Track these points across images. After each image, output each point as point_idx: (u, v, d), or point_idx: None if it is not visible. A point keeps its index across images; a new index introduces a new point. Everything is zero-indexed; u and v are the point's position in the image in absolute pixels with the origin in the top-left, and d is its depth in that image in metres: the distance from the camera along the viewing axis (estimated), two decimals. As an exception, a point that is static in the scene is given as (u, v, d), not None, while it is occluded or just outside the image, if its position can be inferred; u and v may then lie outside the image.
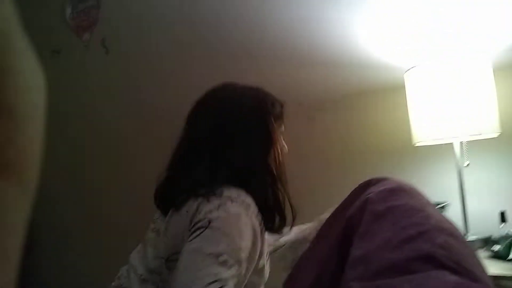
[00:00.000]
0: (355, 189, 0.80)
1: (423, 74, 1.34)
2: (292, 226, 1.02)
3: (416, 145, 1.42)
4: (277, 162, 1.00)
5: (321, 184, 1.67)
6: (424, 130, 1.35)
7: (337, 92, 1.68)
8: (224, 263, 0.76)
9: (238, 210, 0.84)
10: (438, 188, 1.52)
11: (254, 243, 0.86)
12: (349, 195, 0.81)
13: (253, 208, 0.88)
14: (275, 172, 0.99)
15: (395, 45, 1.59)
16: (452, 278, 0.56)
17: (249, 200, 0.89)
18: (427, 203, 0.72)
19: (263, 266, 0.97)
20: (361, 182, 0.80)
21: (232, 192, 0.88)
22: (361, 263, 0.64)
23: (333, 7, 1.66)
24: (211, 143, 0.97)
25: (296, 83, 1.72)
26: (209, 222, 0.81)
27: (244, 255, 0.82)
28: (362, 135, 1.65)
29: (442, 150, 1.47)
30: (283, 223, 0.97)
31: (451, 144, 1.38)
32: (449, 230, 0.67)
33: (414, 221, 0.66)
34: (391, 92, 1.59)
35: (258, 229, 0.88)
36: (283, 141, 1.05)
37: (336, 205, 0.86)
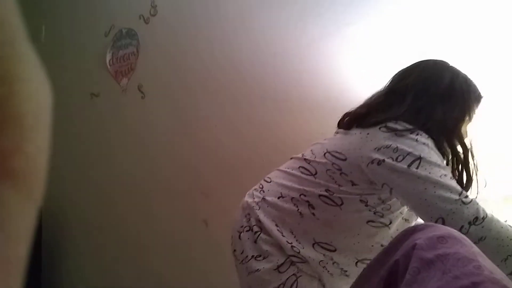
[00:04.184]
0: (400, 234, 0.78)
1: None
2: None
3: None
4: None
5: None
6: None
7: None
8: (452, 179, 0.95)
9: (436, 158, 0.97)
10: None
11: None
12: (393, 240, 0.79)
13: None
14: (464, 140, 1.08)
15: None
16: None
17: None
18: (478, 252, 0.69)
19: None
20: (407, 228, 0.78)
21: (429, 141, 0.99)
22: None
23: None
24: (418, 95, 1.07)
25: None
26: (420, 154, 0.94)
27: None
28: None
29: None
30: (469, 184, 1.07)
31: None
32: (502, 283, 0.65)
33: (467, 271, 0.64)
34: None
35: None
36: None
37: None
